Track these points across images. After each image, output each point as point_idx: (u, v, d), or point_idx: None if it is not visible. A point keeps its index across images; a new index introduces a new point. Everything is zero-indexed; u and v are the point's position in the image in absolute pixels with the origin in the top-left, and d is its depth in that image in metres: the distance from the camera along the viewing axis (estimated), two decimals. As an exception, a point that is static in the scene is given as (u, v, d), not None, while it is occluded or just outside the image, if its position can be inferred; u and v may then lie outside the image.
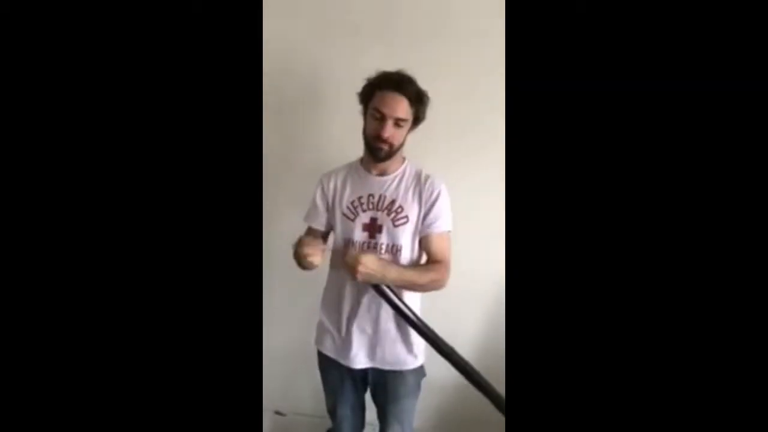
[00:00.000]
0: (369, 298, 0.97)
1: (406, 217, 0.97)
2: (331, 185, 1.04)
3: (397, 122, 0.94)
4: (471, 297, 1.32)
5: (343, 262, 0.89)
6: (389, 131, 0.94)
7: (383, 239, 0.97)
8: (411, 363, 1.03)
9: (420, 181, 1.00)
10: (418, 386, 1.07)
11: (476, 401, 1.34)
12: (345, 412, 1.09)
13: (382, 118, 0.94)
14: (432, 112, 1.07)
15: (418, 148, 1.07)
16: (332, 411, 1.11)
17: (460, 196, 1.07)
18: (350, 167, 1.07)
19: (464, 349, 1.30)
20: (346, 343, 1.01)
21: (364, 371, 1.04)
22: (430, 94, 0.99)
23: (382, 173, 1.02)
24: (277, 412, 1.54)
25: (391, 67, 0.98)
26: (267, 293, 1.38)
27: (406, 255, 0.98)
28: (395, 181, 1.01)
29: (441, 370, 1.27)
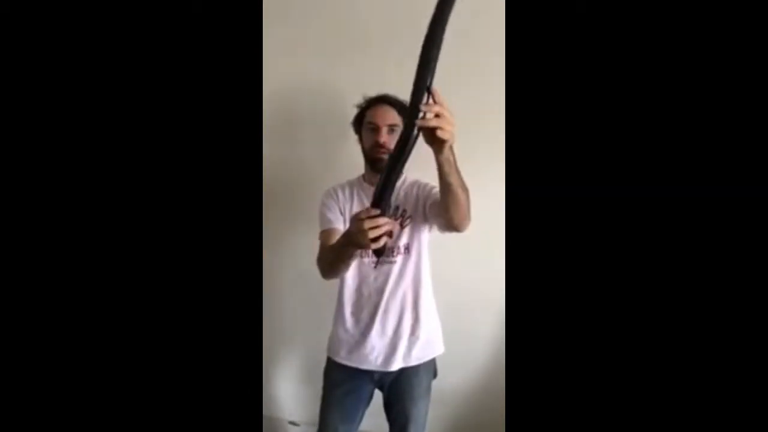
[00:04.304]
0: (386, 302, 1.07)
1: (411, 217, 1.10)
2: (340, 196, 1.13)
3: (390, 128, 1.08)
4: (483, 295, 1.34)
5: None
6: (384, 136, 1.08)
7: (393, 242, 1.07)
8: (427, 356, 1.12)
9: (413, 186, 1.13)
10: (429, 387, 1.18)
11: (488, 409, 1.33)
12: (337, 423, 1.10)
13: (376, 128, 1.08)
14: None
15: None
16: (324, 419, 1.14)
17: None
18: (352, 184, 1.16)
19: (478, 343, 1.29)
20: (365, 348, 1.09)
21: (380, 376, 1.11)
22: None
23: None
24: (291, 422, 1.58)
25: (398, 82, 1.03)
26: (281, 308, 1.42)
27: (415, 250, 1.09)
28: (397, 191, 1.08)
29: (454, 380, 1.27)
